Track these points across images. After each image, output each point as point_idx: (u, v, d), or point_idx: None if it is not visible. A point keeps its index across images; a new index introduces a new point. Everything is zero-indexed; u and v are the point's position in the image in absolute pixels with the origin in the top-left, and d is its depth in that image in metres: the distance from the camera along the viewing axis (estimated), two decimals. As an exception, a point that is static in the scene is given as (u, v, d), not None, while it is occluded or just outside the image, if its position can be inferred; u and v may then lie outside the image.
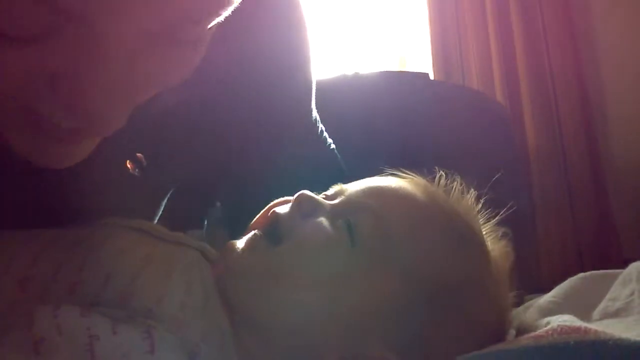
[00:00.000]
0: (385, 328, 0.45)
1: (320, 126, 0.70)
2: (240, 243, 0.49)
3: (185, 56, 0.41)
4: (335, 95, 1.07)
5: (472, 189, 0.54)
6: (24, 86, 0.36)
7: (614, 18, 1.89)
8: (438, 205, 0.51)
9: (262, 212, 0.52)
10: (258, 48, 0.59)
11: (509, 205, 0.55)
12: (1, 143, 0.41)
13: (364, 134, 1.11)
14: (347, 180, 0.54)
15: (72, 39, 0.35)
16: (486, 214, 0.54)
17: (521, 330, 0.49)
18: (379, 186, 0.52)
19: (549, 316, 0.52)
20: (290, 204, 0.50)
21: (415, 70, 1.96)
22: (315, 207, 0.49)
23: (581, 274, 0.74)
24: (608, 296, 0.69)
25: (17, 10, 0.33)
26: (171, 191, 0.61)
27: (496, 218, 0.55)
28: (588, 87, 1.89)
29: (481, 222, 0.54)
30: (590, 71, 1.90)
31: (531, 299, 0.75)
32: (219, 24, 0.40)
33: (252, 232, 0.49)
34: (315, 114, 0.69)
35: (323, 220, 0.48)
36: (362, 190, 0.51)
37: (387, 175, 0.54)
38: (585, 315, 0.65)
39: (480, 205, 0.54)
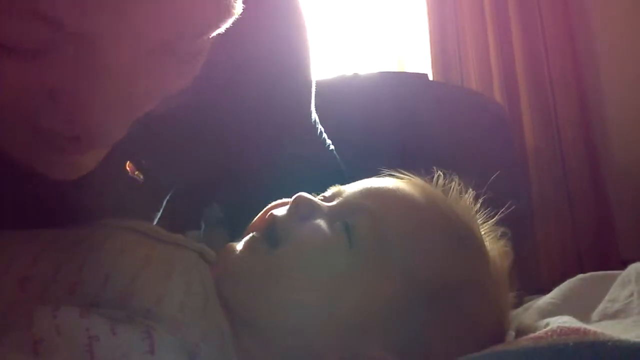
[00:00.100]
0: (385, 328, 0.45)
1: (320, 127, 0.70)
2: (238, 245, 0.49)
3: (185, 68, 0.41)
4: (334, 96, 1.07)
5: (471, 189, 0.54)
6: (24, 99, 0.37)
7: (612, 20, 1.89)
8: (436, 205, 0.51)
9: (260, 214, 0.52)
10: (258, 49, 0.59)
11: (507, 206, 0.55)
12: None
13: (362, 135, 1.11)
14: (346, 181, 0.54)
15: (72, 55, 0.35)
16: (485, 214, 0.54)
17: (520, 331, 0.49)
18: (376, 187, 0.52)
19: (548, 317, 0.52)
20: (287, 207, 0.50)
21: (414, 71, 1.96)
22: (313, 210, 0.49)
23: (580, 275, 0.74)
24: (607, 297, 0.69)
25: (18, 26, 0.33)
26: (171, 193, 0.61)
27: (495, 218, 0.55)
28: (587, 88, 1.89)
29: (480, 222, 0.54)
30: (588, 72, 1.90)
31: (530, 300, 0.75)
32: None
33: (251, 235, 0.49)
34: (314, 115, 0.69)
35: (321, 222, 0.48)
36: (359, 191, 0.51)
37: (385, 176, 0.54)
38: (584, 317, 0.65)
39: (478, 206, 0.54)
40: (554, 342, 0.40)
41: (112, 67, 0.36)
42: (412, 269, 0.47)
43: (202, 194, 0.67)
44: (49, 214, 0.48)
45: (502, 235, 0.54)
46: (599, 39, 1.91)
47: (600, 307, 0.67)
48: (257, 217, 0.52)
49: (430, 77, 1.89)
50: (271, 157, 0.64)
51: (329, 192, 0.53)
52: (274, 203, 0.52)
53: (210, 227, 0.69)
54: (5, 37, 0.33)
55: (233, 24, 0.40)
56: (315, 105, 0.68)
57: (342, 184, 0.53)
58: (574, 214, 1.80)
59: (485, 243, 0.52)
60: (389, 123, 1.20)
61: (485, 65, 1.90)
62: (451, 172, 0.55)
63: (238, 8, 0.39)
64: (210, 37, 0.39)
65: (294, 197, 0.50)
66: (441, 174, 0.54)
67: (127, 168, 0.54)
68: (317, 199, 0.51)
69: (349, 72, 1.32)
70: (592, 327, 0.42)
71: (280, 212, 0.50)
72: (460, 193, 0.54)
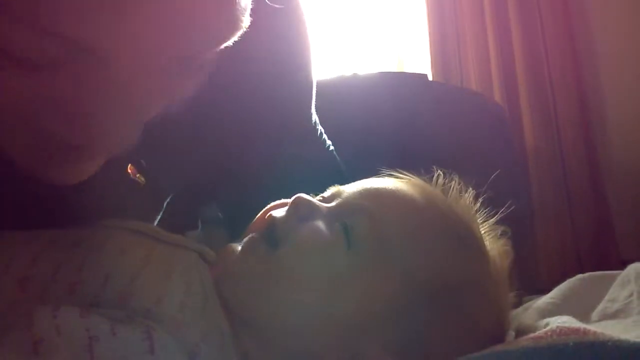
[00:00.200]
0: (384, 329, 0.45)
1: (320, 128, 0.70)
2: (238, 246, 0.49)
3: (192, 79, 0.41)
4: (334, 96, 1.07)
5: (470, 189, 0.54)
6: (29, 107, 0.37)
7: (612, 20, 1.89)
8: (436, 205, 0.51)
9: (259, 215, 0.52)
10: (258, 49, 0.59)
11: (507, 206, 0.55)
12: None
13: (362, 135, 1.11)
14: (345, 181, 0.54)
15: (80, 69, 0.35)
16: (485, 214, 0.54)
17: (520, 332, 0.49)
18: (375, 188, 0.52)
19: (548, 317, 0.52)
20: (287, 208, 0.50)
21: (413, 72, 1.96)
22: (312, 211, 0.49)
23: (580, 275, 0.74)
24: (607, 297, 0.69)
25: (26, 41, 0.33)
26: (172, 195, 0.61)
27: (495, 218, 0.55)
28: (586, 88, 1.89)
29: (480, 222, 0.54)
30: (588, 72, 1.91)
31: (530, 300, 0.75)
32: None
33: (250, 235, 0.49)
34: (315, 116, 0.69)
35: (320, 223, 0.48)
36: (358, 192, 0.51)
37: (385, 176, 0.54)
38: (584, 317, 0.65)
39: (478, 205, 0.54)
40: (553, 342, 0.40)
41: (120, 82, 0.36)
42: (411, 269, 0.47)
43: (202, 194, 0.67)
44: (49, 215, 0.48)
45: (502, 235, 0.54)
46: (598, 39, 1.91)
47: (600, 307, 0.67)
48: (256, 217, 0.52)
49: (430, 78, 1.89)
50: (271, 157, 0.64)
51: (328, 193, 0.53)
52: (273, 204, 0.52)
53: (209, 227, 0.69)
54: (13, 49, 0.34)
55: None
56: (315, 105, 0.68)
57: (342, 184, 0.53)
58: (574, 214, 1.81)
59: (485, 242, 0.52)
60: (389, 123, 1.20)
61: (485, 66, 1.90)
62: (451, 172, 0.55)
63: (246, 22, 0.39)
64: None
65: (293, 198, 0.50)
66: (441, 173, 0.54)
67: (129, 171, 0.54)
68: (316, 199, 0.51)
69: (348, 72, 1.32)
70: (591, 327, 0.42)
71: (280, 213, 0.50)
72: (460, 193, 0.54)
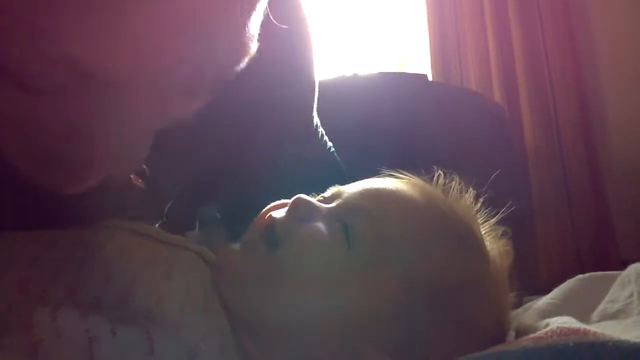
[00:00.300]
0: (384, 329, 0.45)
1: (321, 130, 0.70)
2: (238, 247, 0.49)
3: (201, 99, 0.42)
4: (334, 97, 1.07)
5: (471, 189, 0.54)
6: (38, 129, 0.37)
7: (612, 20, 1.89)
8: (436, 205, 0.51)
9: (259, 215, 0.52)
10: (261, 50, 0.59)
11: (507, 206, 0.55)
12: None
13: (362, 135, 1.11)
14: (346, 181, 0.54)
15: (93, 95, 0.35)
16: (485, 214, 0.54)
17: (520, 332, 0.49)
18: (375, 188, 0.52)
19: (548, 318, 0.52)
20: (286, 208, 0.50)
21: (413, 72, 1.96)
22: (312, 211, 0.49)
23: (580, 276, 0.74)
24: (607, 298, 0.69)
25: (35, 67, 0.33)
26: (173, 200, 0.61)
27: (495, 218, 0.55)
28: (586, 88, 1.89)
29: (480, 222, 0.54)
30: (588, 72, 1.91)
31: (530, 301, 0.75)
32: None
33: (250, 236, 0.49)
34: (316, 118, 0.69)
35: (319, 223, 0.48)
36: (358, 192, 0.51)
37: (385, 176, 0.54)
38: (584, 317, 0.65)
39: (479, 205, 0.54)
40: (554, 343, 0.40)
41: (131, 107, 0.36)
42: (411, 269, 0.47)
43: (202, 194, 0.67)
44: (49, 215, 0.48)
45: (503, 235, 0.54)
46: (598, 39, 1.91)
47: (600, 307, 0.68)
48: (256, 218, 0.52)
49: (430, 78, 1.89)
50: (271, 157, 0.64)
51: (328, 193, 0.53)
52: (273, 204, 0.52)
53: (209, 227, 0.69)
54: (24, 75, 0.34)
55: None
56: (316, 105, 0.68)
57: (342, 184, 0.53)
58: (574, 214, 1.80)
59: (485, 243, 0.52)
60: (389, 123, 1.20)
61: (484, 66, 1.90)
62: (451, 172, 0.55)
63: (254, 47, 0.39)
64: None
65: (292, 198, 0.50)
66: (441, 173, 0.54)
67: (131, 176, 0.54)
68: (316, 199, 0.51)
69: (348, 72, 1.32)
70: (592, 328, 0.43)
71: (279, 213, 0.50)
72: (461, 193, 0.54)
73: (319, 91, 0.67)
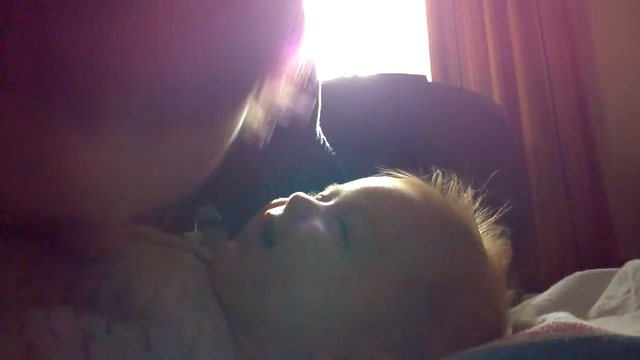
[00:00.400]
0: (381, 327, 0.45)
1: (322, 136, 0.70)
2: (234, 245, 0.49)
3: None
4: (334, 98, 1.08)
5: (470, 188, 0.54)
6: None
7: (611, 20, 1.89)
8: (433, 204, 0.51)
9: (257, 214, 0.52)
10: None
11: (506, 205, 0.55)
12: None
13: (362, 136, 1.11)
14: (345, 181, 0.54)
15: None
16: (484, 213, 0.55)
17: (517, 328, 0.49)
18: (373, 187, 0.52)
19: (545, 314, 0.52)
20: (284, 206, 0.50)
21: (413, 73, 1.96)
22: (310, 209, 0.49)
23: (577, 273, 0.75)
24: (605, 294, 0.69)
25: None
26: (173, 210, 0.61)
27: (494, 218, 0.55)
28: (585, 88, 1.90)
29: (479, 221, 0.54)
30: (587, 72, 1.91)
31: (529, 298, 0.75)
32: None
33: (246, 234, 0.49)
34: (318, 125, 0.69)
35: (317, 222, 0.48)
36: (356, 191, 0.51)
37: (383, 175, 0.54)
38: (581, 313, 0.65)
39: (477, 205, 0.54)
40: (550, 338, 0.40)
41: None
42: (408, 267, 0.47)
43: (201, 194, 0.67)
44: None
45: (502, 234, 0.54)
46: (598, 40, 1.91)
47: (598, 303, 0.68)
48: (254, 216, 0.52)
49: (429, 79, 1.90)
50: (271, 157, 0.65)
51: (327, 191, 0.53)
52: (272, 202, 0.52)
53: (209, 227, 0.69)
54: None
55: None
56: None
57: (341, 183, 0.53)
58: (573, 213, 1.81)
59: (484, 241, 0.53)
60: (388, 124, 1.20)
61: (484, 67, 1.90)
62: (450, 172, 0.55)
63: None
64: None
65: (290, 196, 0.50)
66: (440, 173, 0.55)
67: None
68: (314, 198, 0.51)
69: (348, 73, 1.33)
70: (588, 323, 0.43)
71: (277, 211, 0.50)
72: (459, 192, 0.54)
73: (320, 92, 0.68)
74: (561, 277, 0.77)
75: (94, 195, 0.32)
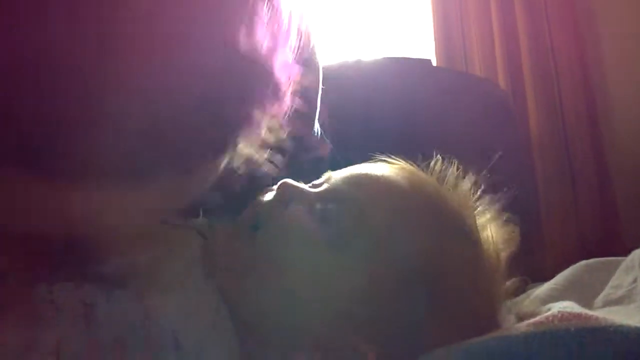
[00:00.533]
0: (365, 317, 0.44)
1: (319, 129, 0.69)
2: (227, 228, 0.50)
3: None
4: (338, 82, 1.07)
5: (470, 174, 0.53)
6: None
7: (618, 8, 1.87)
8: (423, 191, 0.50)
9: (255, 200, 0.51)
10: None
11: (513, 192, 0.54)
12: None
13: (365, 120, 1.10)
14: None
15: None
16: (486, 200, 0.53)
17: (522, 317, 0.48)
18: (362, 174, 0.51)
19: (551, 303, 0.51)
20: (272, 192, 0.50)
21: (417, 57, 1.94)
22: (296, 195, 0.49)
23: (583, 262, 0.74)
24: (611, 283, 0.69)
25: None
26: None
27: (498, 205, 0.54)
28: (592, 74, 1.88)
29: (481, 209, 0.53)
30: (593, 58, 1.89)
31: (534, 288, 0.74)
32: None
33: (239, 220, 0.50)
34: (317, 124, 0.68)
35: (300, 208, 0.48)
36: (345, 177, 0.51)
37: (378, 161, 0.54)
38: (587, 303, 0.65)
39: (478, 192, 0.53)
40: (555, 327, 0.40)
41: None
42: (395, 255, 0.46)
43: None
44: None
45: (508, 221, 0.53)
46: (604, 24, 1.90)
47: (604, 293, 0.67)
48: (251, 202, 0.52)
49: (434, 63, 1.88)
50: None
51: (321, 179, 0.52)
52: (269, 188, 0.52)
53: (213, 213, 0.69)
54: None
55: None
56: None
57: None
58: (578, 201, 1.80)
59: (481, 230, 0.51)
60: (392, 109, 1.19)
61: (489, 51, 1.89)
62: (451, 157, 0.54)
63: None
64: None
65: (279, 183, 0.50)
66: (440, 158, 0.53)
67: None
68: (305, 185, 0.51)
69: (352, 57, 1.31)
70: (593, 313, 0.42)
71: (265, 198, 0.50)
72: (457, 179, 0.53)
73: (322, 77, 0.67)
74: (566, 266, 0.76)
75: (93, 225, 0.36)
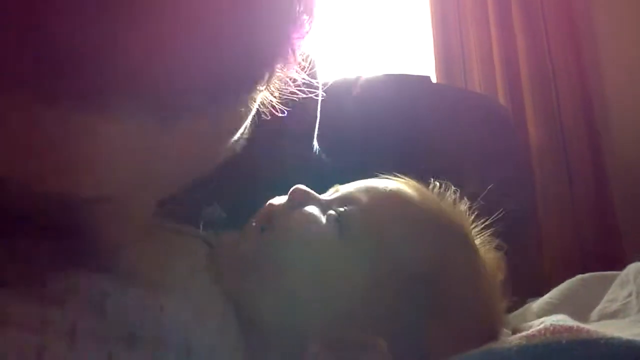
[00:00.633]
0: (372, 317, 0.46)
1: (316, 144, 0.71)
2: (236, 234, 0.51)
3: None
4: (338, 98, 1.08)
5: (465, 200, 0.55)
6: None
7: (616, 22, 1.89)
8: (428, 203, 0.53)
9: (262, 207, 0.53)
10: None
11: (510, 210, 0.55)
12: None
13: (365, 137, 1.11)
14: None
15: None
16: (482, 221, 0.55)
17: (515, 330, 0.49)
18: (370, 185, 0.53)
19: (545, 317, 0.52)
20: (285, 197, 0.51)
21: (417, 74, 1.95)
22: (308, 199, 0.50)
23: (579, 276, 0.75)
24: (606, 297, 0.69)
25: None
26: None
27: (498, 218, 0.55)
28: (590, 89, 1.89)
29: (478, 230, 0.54)
30: (592, 74, 1.90)
31: (532, 302, 0.75)
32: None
33: (249, 224, 0.51)
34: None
35: (313, 209, 0.49)
36: (354, 186, 0.53)
37: (382, 178, 0.55)
38: (583, 316, 0.65)
39: (473, 216, 0.55)
40: (547, 340, 0.41)
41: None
42: (399, 260, 0.48)
43: (203, 193, 0.67)
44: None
45: (498, 248, 0.55)
46: (603, 41, 1.91)
47: (599, 307, 0.68)
48: (259, 210, 0.53)
49: (434, 79, 1.89)
50: (274, 155, 0.65)
51: (329, 192, 0.54)
52: (275, 198, 0.53)
53: (215, 226, 0.69)
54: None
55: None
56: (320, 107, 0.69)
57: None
58: (578, 215, 1.80)
59: (480, 248, 0.53)
60: (392, 125, 1.20)
61: (489, 68, 1.90)
62: (446, 182, 0.56)
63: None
64: None
65: (292, 188, 0.51)
66: (437, 184, 0.55)
67: None
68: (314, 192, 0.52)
69: (352, 74, 1.32)
70: (585, 326, 0.43)
71: (278, 201, 0.52)
72: (455, 202, 0.55)
73: (322, 93, 0.68)
74: (565, 277, 0.77)
75: (111, 176, 0.33)
